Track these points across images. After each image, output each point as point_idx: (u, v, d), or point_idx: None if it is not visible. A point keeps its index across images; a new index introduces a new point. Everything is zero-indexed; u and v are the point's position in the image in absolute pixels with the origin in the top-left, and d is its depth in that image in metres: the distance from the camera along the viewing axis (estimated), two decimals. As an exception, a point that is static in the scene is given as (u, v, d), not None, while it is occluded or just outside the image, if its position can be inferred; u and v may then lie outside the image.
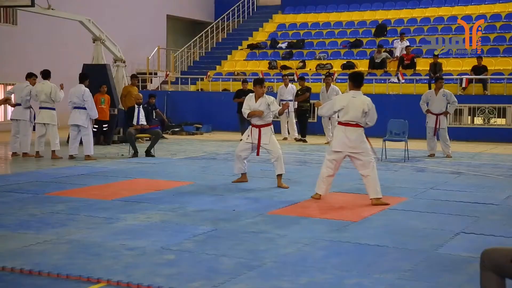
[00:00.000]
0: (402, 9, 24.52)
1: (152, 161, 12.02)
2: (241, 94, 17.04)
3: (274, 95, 18.20)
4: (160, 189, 8.64)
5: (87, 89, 12.34)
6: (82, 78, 12.50)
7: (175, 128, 19.55)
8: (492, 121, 17.74)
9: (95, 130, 14.52)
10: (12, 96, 13.32)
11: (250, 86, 18.07)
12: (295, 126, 17.54)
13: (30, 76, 13.00)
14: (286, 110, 17.06)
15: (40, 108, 12.46)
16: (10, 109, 13.94)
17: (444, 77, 18.54)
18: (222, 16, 27.06)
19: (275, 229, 6.18)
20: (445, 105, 13.12)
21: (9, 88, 16.43)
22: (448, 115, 13.42)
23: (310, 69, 21.61)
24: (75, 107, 12.20)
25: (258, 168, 10.77)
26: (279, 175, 8.98)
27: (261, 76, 20.61)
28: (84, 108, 12.16)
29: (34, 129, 12.97)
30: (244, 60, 23.84)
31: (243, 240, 5.75)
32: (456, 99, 13.27)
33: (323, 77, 18.11)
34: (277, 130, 18.13)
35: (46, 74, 12.58)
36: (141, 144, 14.41)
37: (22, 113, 12.78)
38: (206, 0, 28.98)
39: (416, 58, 20.33)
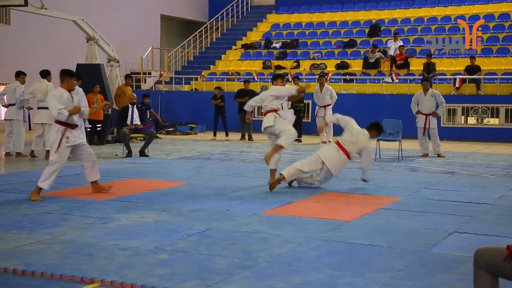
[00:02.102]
0: (396, 9, 24.58)
1: (146, 161, 12.00)
2: (243, 94, 17.06)
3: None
4: (154, 189, 8.62)
5: (80, 89, 12.39)
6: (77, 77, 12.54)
7: (169, 128, 19.54)
8: (485, 121, 17.80)
9: (88, 130, 14.51)
10: (5, 97, 13.26)
11: (251, 86, 18.18)
12: (289, 126, 17.54)
13: (19, 75, 12.94)
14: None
15: (38, 108, 12.43)
16: (3, 109, 13.87)
17: (437, 76, 18.69)
18: (216, 16, 27.05)
19: (269, 229, 6.18)
20: (435, 105, 13.21)
21: (1, 88, 16.35)
22: (437, 116, 13.47)
23: (304, 69, 21.63)
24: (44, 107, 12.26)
25: (252, 168, 10.76)
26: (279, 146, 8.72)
27: (256, 77, 20.70)
28: None
29: (30, 129, 12.96)
30: (238, 60, 23.84)
31: (237, 240, 5.74)
32: (444, 100, 13.34)
33: (317, 77, 18.14)
34: (271, 130, 18.18)
35: (43, 73, 12.55)
36: (135, 144, 14.39)
37: (16, 113, 12.73)
38: (200, 0, 28.97)
39: (410, 58, 20.39)
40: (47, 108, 12.28)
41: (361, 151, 8.78)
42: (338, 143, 8.80)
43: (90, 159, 8.02)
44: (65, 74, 7.89)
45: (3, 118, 13.77)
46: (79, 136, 7.94)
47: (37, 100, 12.36)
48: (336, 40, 23.21)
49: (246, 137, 17.42)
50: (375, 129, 9.18)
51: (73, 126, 7.84)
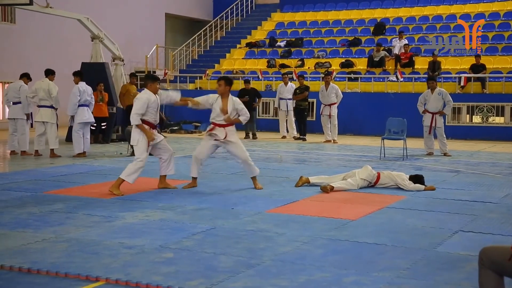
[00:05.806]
0: (400, 7, 24.54)
1: (151, 159, 11.89)
2: (244, 93, 17.04)
3: (274, 93, 18.26)
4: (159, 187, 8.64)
5: (89, 87, 12.65)
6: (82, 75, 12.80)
7: (174, 126, 19.54)
8: (490, 119, 17.75)
9: (93, 128, 14.54)
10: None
11: (253, 84, 18.16)
12: (294, 125, 17.56)
13: (28, 77, 13.03)
14: (285, 109, 17.34)
15: (39, 106, 12.45)
16: (7, 107, 13.90)
17: (442, 75, 18.65)
18: (220, 15, 27.04)
19: (274, 228, 6.19)
20: (442, 104, 13.16)
21: (6, 86, 16.41)
22: (444, 115, 13.43)
23: (308, 68, 21.61)
24: (84, 105, 12.44)
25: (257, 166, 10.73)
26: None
27: (260, 76, 20.67)
28: (87, 106, 12.47)
29: (32, 126, 12.98)
30: (242, 58, 23.83)
31: (241, 238, 5.75)
32: (451, 99, 13.29)
33: (322, 75, 18.12)
34: (276, 129, 18.20)
35: (46, 72, 12.60)
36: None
37: (19, 111, 12.76)
38: (205, -2, 29.00)
39: (414, 56, 20.34)
40: (48, 106, 12.39)
41: None
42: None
43: (168, 153, 8.57)
44: (148, 79, 8.56)
45: (7, 117, 13.77)
46: (157, 134, 8.55)
47: (38, 98, 12.37)
48: (340, 39, 23.18)
49: (250, 135, 17.42)
50: None
51: (154, 126, 8.41)
